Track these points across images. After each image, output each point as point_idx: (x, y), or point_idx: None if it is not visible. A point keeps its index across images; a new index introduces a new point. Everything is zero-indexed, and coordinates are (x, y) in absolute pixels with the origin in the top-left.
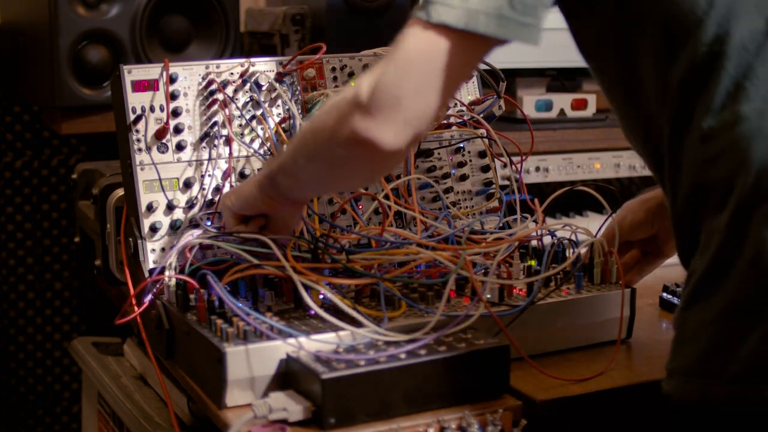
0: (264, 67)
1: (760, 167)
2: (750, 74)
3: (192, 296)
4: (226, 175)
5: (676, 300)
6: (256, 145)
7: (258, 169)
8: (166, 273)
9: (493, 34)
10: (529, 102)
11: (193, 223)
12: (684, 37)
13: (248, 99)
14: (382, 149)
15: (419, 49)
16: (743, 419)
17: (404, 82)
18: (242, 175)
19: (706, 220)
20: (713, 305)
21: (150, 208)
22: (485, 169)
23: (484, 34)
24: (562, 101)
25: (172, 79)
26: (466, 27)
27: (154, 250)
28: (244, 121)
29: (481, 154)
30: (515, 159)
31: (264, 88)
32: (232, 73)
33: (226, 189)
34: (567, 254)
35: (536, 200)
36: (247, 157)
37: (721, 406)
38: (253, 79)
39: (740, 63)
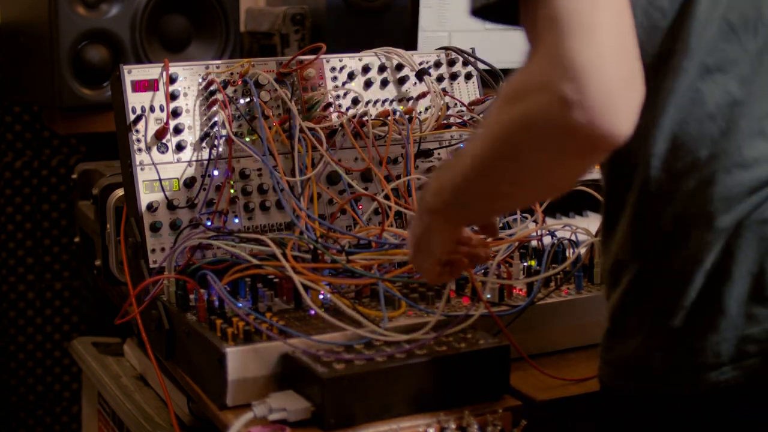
0: (264, 67)
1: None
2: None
3: (192, 296)
4: (226, 176)
5: None
6: (256, 145)
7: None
8: (166, 273)
9: None
10: None
11: (193, 223)
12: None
13: (248, 99)
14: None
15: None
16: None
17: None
18: (242, 175)
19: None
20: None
21: (150, 208)
22: None
23: None
24: None
25: (172, 79)
26: None
27: (154, 250)
28: (244, 121)
29: None
30: None
31: (264, 88)
32: (232, 74)
33: (226, 189)
34: (567, 254)
35: None
36: (247, 157)
37: (655, 396)
38: (253, 79)
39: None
